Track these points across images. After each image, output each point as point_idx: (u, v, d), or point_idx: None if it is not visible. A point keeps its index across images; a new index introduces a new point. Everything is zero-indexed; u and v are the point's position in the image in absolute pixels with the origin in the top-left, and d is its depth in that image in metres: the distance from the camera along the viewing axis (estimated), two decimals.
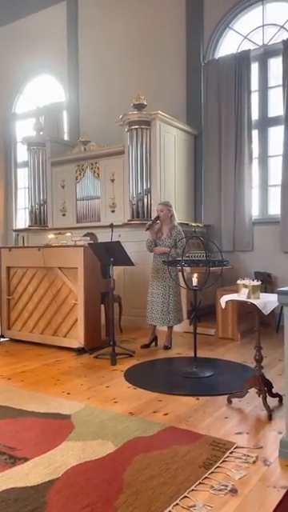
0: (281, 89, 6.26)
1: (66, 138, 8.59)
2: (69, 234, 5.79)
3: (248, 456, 2.38)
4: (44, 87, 9.25)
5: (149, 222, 5.01)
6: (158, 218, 4.91)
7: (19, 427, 2.81)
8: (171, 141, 6.54)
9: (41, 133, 7.72)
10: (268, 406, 2.96)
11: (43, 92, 9.22)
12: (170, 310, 4.79)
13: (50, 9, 8.74)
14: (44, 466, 2.29)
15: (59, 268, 4.99)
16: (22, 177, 9.44)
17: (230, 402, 3.21)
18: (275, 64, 6.52)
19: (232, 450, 2.45)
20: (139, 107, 6.14)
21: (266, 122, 6.66)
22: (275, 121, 6.52)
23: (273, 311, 3.10)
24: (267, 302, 2.96)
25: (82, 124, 8.35)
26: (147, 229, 4.91)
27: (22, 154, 9.27)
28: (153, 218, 5.07)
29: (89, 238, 5.43)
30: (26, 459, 2.37)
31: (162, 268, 4.82)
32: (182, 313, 4.98)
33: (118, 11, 7.88)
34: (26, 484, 2.12)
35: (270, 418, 2.90)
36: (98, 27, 8.14)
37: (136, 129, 6.14)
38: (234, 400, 3.21)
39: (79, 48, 8.45)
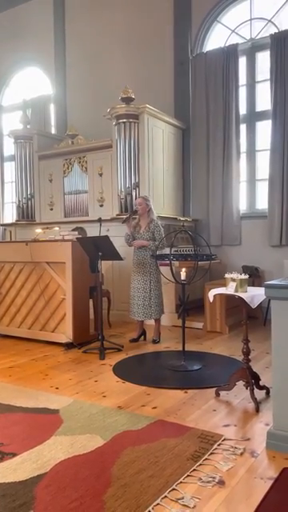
0: (268, 83, 6.27)
1: (53, 131, 8.50)
2: (57, 229, 5.75)
3: (236, 448, 2.40)
4: (31, 80, 9.13)
5: (125, 216, 5.03)
6: (136, 211, 4.93)
7: (7, 422, 2.80)
8: (159, 135, 6.52)
9: (28, 126, 7.64)
10: (255, 399, 2.99)
11: (30, 85, 9.10)
12: (151, 304, 4.81)
13: (37, 0, 8.61)
14: (32, 461, 2.29)
15: (47, 263, 4.95)
16: (9, 170, 9.34)
17: (217, 394, 3.24)
18: (263, 58, 6.53)
19: (220, 442, 2.47)
20: (127, 101, 6.10)
21: (253, 117, 6.67)
22: (263, 115, 6.53)
23: (260, 305, 3.13)
24: (254, 295, 2.99)
25: (70, 117, 8.28)
26: (124, 221, 4.92)
27: (8, 147, 9.15)
28: (130, 212, 5.09)
29: (77, 233, 5.40)
30: (14, 454, 2.36)
31: (142, 262, 4.84)
32: (163, 305, 4.99)
33: (105, 4, 7.79)
34: (14, 479, 2.12)
35: (257, 410, 2.93)
36: (85, 19, 8.05)
37: (124, 122, 6.10)
38: (222, 393, 3.24)
39: (66, 40, 8.36)
